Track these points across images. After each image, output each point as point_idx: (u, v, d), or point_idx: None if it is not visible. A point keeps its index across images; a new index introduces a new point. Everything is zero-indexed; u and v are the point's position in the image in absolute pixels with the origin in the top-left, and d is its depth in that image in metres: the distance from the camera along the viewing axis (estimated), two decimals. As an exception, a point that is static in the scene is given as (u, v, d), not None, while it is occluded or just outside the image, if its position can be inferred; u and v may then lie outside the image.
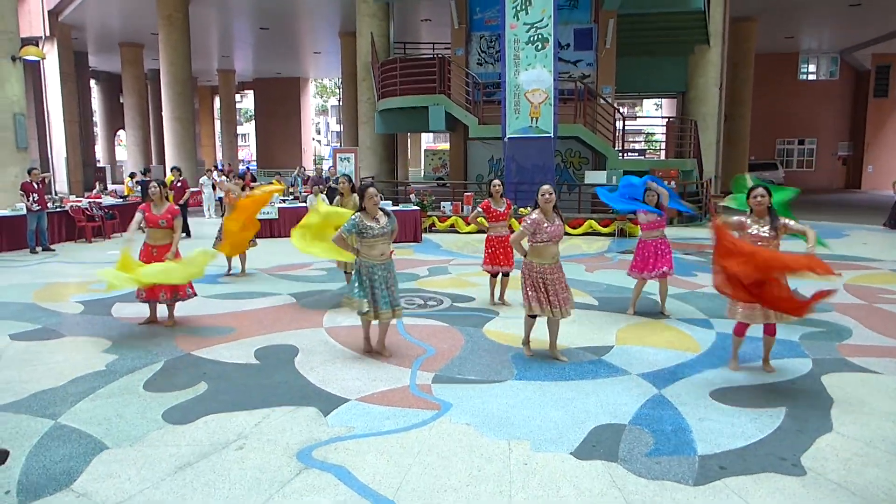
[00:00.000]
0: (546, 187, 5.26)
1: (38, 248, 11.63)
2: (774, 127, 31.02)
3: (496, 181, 7.52)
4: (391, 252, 5.45)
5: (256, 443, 3.86)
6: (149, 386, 4.80)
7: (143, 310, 7.06)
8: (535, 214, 5.24)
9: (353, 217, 5.33)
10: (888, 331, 6.31)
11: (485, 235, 7.61)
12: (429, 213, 14.93)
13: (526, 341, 5.62)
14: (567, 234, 13.46)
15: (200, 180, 18.74)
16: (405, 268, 9.88)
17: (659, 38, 18.14)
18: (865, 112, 30.97)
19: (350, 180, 8.19)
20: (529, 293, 5.31)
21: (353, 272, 5.66)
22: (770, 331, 5.12)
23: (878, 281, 8.87)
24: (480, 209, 7.47)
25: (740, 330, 5.20)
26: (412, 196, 15.83)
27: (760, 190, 5.00)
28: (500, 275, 7.47)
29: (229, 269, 9.48)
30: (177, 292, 6.49)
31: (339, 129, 45.55)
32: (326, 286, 8.53)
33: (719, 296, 7.88)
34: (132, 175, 19.80)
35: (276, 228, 13.98)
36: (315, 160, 45.12)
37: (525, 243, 5.30)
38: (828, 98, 31.45)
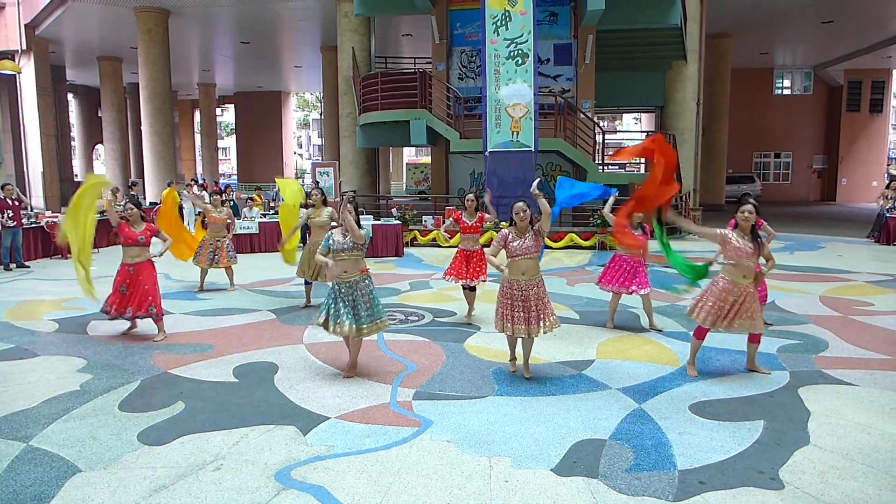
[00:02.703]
0: (519, 205, 5.19)
1: (13, 265, 11.42)
2: (751, 140, 31.57)
3: (470, 195, 7.53)
4: (362, 270, 5.33)
5: (234, 463, 3.80)
6: (124, 406, 4.71)
7: (117, 327, 6.99)
8: (505, 230, 5.26)
9: (327, 234, 5.38)
10: (864, 343, 6.40)
11: None
12: (410, 228, 14.93)
13: (512, 357, 5.56)
14: (548, 247, 13.54)
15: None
16: (386, 282, 9.85)
17: (637, 53, 18.40)
18: (839, 126, 31.65)
19: (322, 193, 8.19)
20: (497, 308, 5.32)
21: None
22: (753, 339, 5.37)
23: (854, 293, 9.01)
24: (453, 219, 7.49)
25: (701, 333, 5.41)
26: (394, 210, 15.82)
27: (749, 207, 5.15)
28: (467, 289, 7.42)
29: (202, 285, 9.40)
30: (141, 308, 6.47)
31: (320, 143, 45.53)
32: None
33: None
34: (114, 190, 19.53)
35: (256, 243, 13.89)
36: (297, 174, 45.00)
37: (503, 258, 5.29)
38: (803, 112, 32.10)
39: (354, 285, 5.28)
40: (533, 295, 5.15)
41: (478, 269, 7.27)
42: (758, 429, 4.28)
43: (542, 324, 5.16)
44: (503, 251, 5.25)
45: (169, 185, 14.10)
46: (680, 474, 3.66)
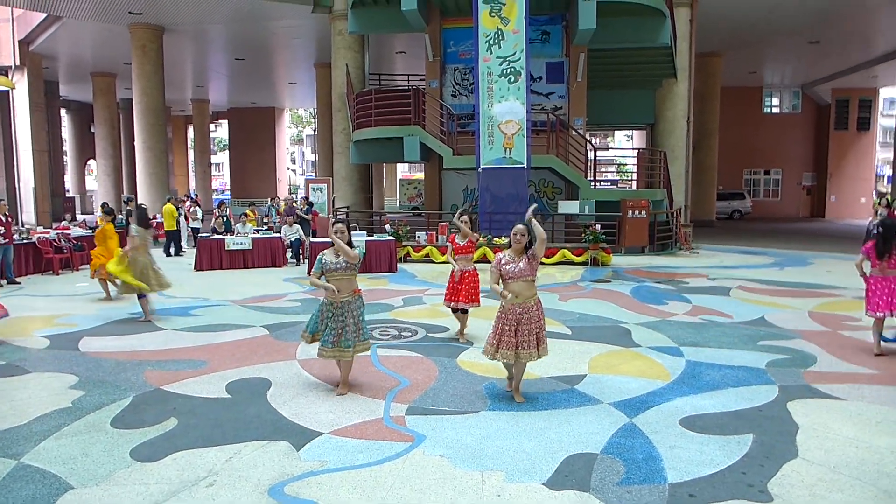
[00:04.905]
0: (519, 227, 5.11)
1: (3, 282, 11.37)
2: (741, 158, 31.93)
3: (465, 217, 7.43)
4: (355, 290, 5.34)
5: (227, 479, 3.80)
6: (116, 423, 4.70)
7: (109, 344, 6.99)
8: (501, 253, 5.22)
9: (319, 256, 5.36)
10: (851, 357, 6.47)
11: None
12: (404, 243, 14.96)
13: (509, 376, 5.42)
14: (541, 262, 13.57)
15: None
16: (380, 298, 9.87)
17: (628, 71, 18.65)
18: (827, 144, 32.08)
19: (139, 210, 8.59)
20: (490, 334, 5.23)
21: None
22: None
23: (842, 308, 9.10)
24: (449, 243, 7.54)
25: None
26: (387, 226, 15.87)
27: None
28: (459, 311, 7.30)
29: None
30: None
31: (314, 159, 45.64)
32: (300, 317, 8.47)
33: (690, 324, 8.02)
34: (104, 206, 19.50)
35: (249, 259, 13.88)
36: (290, 190, 45.05)
37: (499, 286, 5.15)
38: (791, 130, 32.53)
39: (346, 306, 5.29)
40: (526, 319, 5.05)
41: (471, 293, 7.17)
42: (747, 442, 4.32)
43: (536, 349, 5.07)
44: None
45: (168, 200, 14.09)
46: (670, 487, 3.69)
